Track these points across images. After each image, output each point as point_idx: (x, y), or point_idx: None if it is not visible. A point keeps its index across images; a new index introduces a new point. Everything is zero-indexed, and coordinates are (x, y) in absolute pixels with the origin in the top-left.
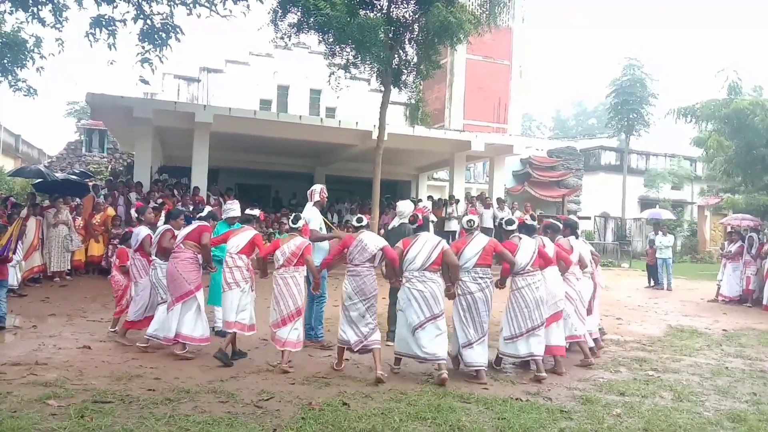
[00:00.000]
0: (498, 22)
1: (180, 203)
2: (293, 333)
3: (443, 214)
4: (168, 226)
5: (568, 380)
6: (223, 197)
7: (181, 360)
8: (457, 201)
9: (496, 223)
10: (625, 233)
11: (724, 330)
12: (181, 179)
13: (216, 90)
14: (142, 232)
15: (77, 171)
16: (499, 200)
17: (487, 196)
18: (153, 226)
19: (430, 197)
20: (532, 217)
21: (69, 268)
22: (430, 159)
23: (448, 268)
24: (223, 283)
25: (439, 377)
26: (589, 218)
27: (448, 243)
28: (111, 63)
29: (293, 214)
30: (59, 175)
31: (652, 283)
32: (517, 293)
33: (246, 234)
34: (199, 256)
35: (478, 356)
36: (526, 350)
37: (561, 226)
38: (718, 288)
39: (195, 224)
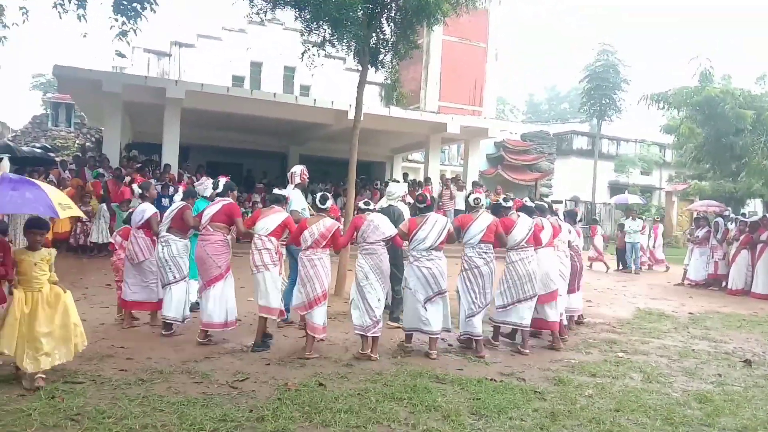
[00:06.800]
0: (476, 3)
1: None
2: (318, 318)
3: None
4: (185, 203)
5: (540, 361)
6: (196, 176)
7: (155, 339)
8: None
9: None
10: (594, 217)
11: (690, 313)
12: (151, 156)
13: (187, 65)
14: (149, 209)
15: (38, 146)
16: (474, 183)
17: (460, 178)
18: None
19: (405, 174)
20: (505, 200)
21: None
22: (406, 140)
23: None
24: (252, 266)
25: (427, 353)
26: (560, 202)
27: None
28: (84, 36)
29: (320, 194)
30: (24, 149)
31: (621, 266)
32: (510, 267)
33: (277, 216)
34: (228, 237)
35: (480, 325)
36: (516, 318)
37: (547, 207)
38: (685, 272)
39: (219, 204)
